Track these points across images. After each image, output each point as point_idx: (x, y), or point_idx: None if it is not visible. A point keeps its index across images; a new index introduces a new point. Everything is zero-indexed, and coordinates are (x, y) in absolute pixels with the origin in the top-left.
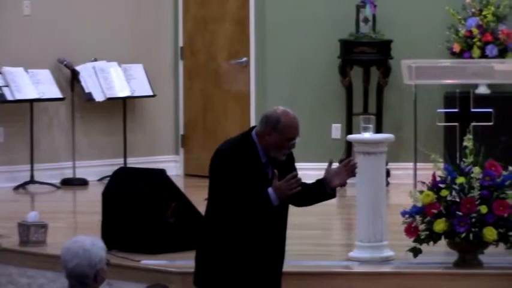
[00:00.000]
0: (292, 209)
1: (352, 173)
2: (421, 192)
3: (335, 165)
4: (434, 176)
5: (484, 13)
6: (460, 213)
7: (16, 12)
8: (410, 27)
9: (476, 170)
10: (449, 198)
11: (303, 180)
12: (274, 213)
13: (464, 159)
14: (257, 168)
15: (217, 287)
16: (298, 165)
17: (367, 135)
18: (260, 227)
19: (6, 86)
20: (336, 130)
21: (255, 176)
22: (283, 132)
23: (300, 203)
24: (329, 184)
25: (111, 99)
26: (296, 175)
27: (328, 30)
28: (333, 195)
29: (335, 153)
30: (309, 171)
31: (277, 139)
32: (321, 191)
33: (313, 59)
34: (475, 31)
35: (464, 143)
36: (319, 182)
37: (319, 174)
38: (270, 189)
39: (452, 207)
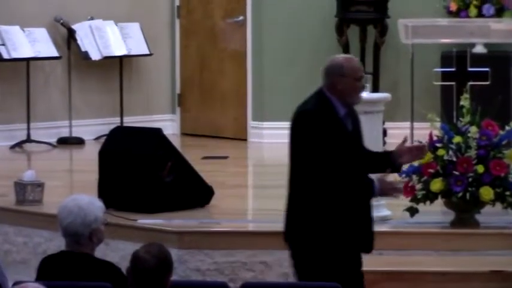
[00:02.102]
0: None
1: (420, 157)
2: None
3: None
4: (431, 135)
5: None
6: (457, 173)
7: None
8: None
9: (473, 130)
10: (446, 157)
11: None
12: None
13: (461, 118)
14: (337, 123)
15: (312, 241)
16: None
17: (364, 95)
18: (348, 184)
19: (3, 45)
20: None
21: (337, 132)
22: (351, 75)
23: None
24: (397, 159)
25: (107, 58)
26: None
27: None
28: (398, 170)
29: None
30: None
31: (348, 83)
32: (387, 162)
33: (310, 18)
34: None
35: (461, 102)
36: (387, 154)
37: None
38: (376, 182)
39: (449, 166)
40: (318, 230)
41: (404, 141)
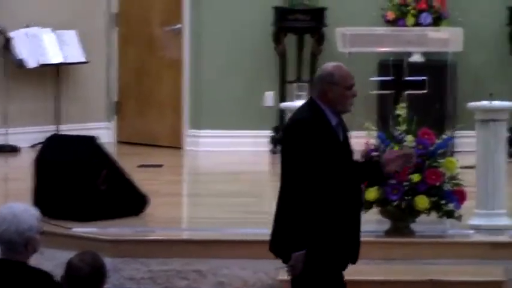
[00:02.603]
0: (225, 177)
1: (408, 163)
2: None
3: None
4: (367, 144)
5: None
6: (393, 181)
7: None
8: None
9: (410, 138)
10: None
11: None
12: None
13: (397, 127)
14: (330, 132)
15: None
16: (231, 132)
17: (301, 103)
18: (340, 194)
19: None
20: (269, 98)
21: (331, 141)
22: (341, 83)
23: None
24: (384, 167)
25: (44, 66)
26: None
27: None
28: (386, 178)
29: (268, 121)
30: (243, 139)
31: (339, 92)
32: (376, 172)
33: (247, 26)
34: None
35: (398, 111)
36: (375, 163)
37: (253, 141)
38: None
39: None
40: (309, 239)
41: (391, 149)
